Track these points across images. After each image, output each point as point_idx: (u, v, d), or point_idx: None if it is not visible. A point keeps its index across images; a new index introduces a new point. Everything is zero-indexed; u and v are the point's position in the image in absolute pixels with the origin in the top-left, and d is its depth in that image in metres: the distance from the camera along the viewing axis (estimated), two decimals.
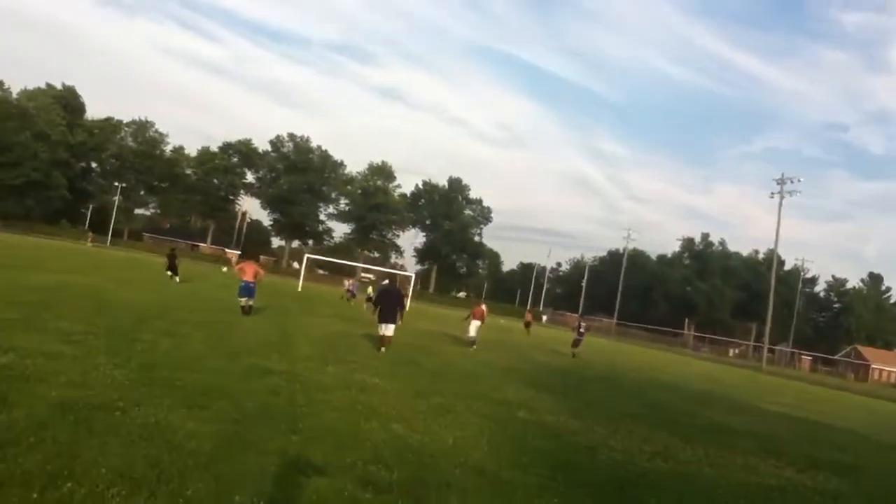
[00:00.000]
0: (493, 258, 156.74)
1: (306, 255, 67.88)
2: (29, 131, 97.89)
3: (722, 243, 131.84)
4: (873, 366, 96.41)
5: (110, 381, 7.97)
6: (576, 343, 30.08)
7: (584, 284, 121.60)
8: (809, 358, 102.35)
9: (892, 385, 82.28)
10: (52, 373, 7.82)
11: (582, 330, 30.99)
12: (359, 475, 6.07)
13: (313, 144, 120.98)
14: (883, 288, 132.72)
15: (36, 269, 24.44)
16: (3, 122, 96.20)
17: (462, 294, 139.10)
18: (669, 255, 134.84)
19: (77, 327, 11.64)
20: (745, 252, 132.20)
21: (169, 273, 33.38)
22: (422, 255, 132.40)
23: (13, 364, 7.92)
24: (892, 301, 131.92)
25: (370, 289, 43.11)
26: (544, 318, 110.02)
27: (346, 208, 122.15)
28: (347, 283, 49.54)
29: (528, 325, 49.50)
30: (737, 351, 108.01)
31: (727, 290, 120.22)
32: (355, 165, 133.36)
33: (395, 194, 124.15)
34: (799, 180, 71.52)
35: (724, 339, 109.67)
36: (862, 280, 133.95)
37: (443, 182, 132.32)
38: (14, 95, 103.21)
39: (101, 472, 4.97)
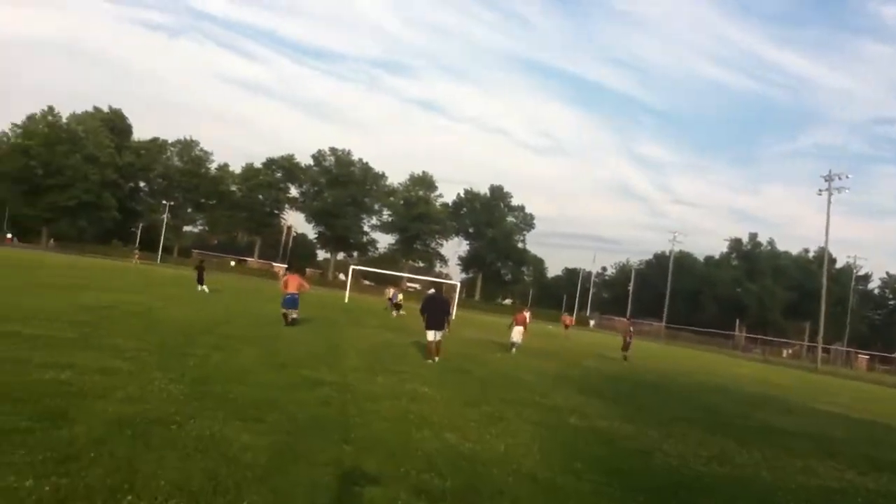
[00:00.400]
0: (538, 264, 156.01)
1: (352, 267, 68.36)
2: (79, 154, 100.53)
3: (771, 243, 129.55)
4: None
5: (165, 395, 8.10)
6: (626, 346, 30.30)
7: (630, 288, 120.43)
8: (866, 357, 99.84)
9: None
10: (110, 388, 7.98)
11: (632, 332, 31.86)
12: (412, 484, 6.07)
13: (354, 157, 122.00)
14: None
15: (89, 289, 24.98)
16: (54, 147, 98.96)
17: (508, 301, 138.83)
18: (717, 257, 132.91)
19: (131, 344, 11.86)
20: (794, 251, 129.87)
21: (201, 286, 34.45)
22: (466, 263, 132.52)
23: (72, 381, 8.09)
24: None
25: (400, 296, 43.33)
26: (591, 322, 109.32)
27: (390, 219, 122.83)
28: (389, 292, 48.87)
29: (567, 327, 50.29)
30: (790, 351, 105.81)
31: (778, 290, 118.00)
32: (397, 177, 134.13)
33: (437, 204, 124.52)
34: (847, 177, 69.85)
35: (777, 340, 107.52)
36: None
37: (484, 190, 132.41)
38: (64, 120, 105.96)
39: (160, 484, 5.05)
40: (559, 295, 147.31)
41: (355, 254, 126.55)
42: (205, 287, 34.35)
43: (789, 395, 25.74)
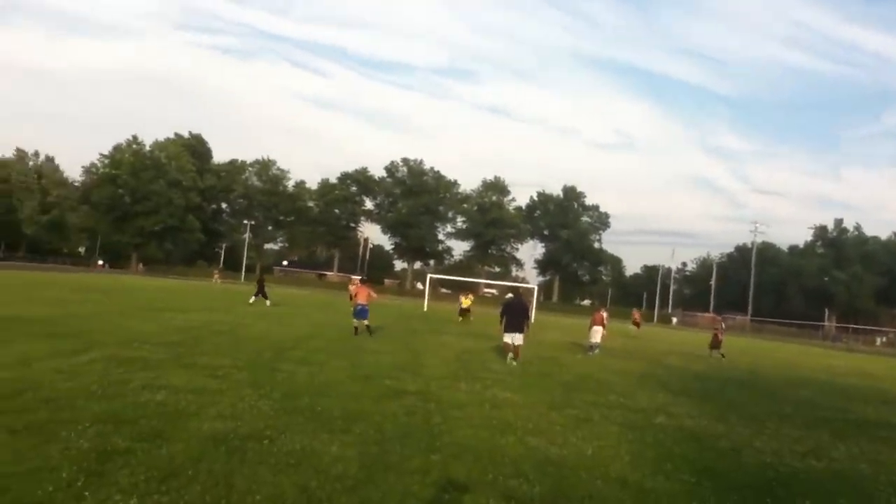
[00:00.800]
0: (615, 263, 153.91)
1: (429, 276, 68.72)
2: (163, 180, 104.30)
3: (857, 228, 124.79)
4: None
5: (256, 411, 8.32)
6: (717, 343, 29.54)
7: (712, 283, 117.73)
8: None
9: None
10: (203, 407, 8.24)
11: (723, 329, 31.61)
12: (501, 490, 6.10)
13: (426, 167, 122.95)
14: None
15: (177, 310, 25.78)
16: (139, 174, 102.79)
17: (587, 302, 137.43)
18: (802, 246, 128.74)
19: (220, 362, 12.21)
20: (883, 236, 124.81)
21: (254, 297, 35.94)
22: (542, 266, 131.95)
23: (167, 401, 8.39)
24: None
25: (467, 301, 42.74)
26: (674, 319, 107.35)
27: (464, 226, 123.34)
28: (463, 298, 47.85)
29: (637, 324, 49.58)
30: (885, 339, 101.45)
31: (868, 277, 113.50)
32: (469, 183, 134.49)
33: (511, 208, 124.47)
34: None
35: (870, 328, 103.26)
36: None
37: (557, 191, 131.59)
38: (147, 148, 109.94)
39: (256, 499, 5.21)
40: (639, 293, 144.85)
41: (432, 262, 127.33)
42: (261, 298, 35.73)
43: (886, 385, 24.72)
